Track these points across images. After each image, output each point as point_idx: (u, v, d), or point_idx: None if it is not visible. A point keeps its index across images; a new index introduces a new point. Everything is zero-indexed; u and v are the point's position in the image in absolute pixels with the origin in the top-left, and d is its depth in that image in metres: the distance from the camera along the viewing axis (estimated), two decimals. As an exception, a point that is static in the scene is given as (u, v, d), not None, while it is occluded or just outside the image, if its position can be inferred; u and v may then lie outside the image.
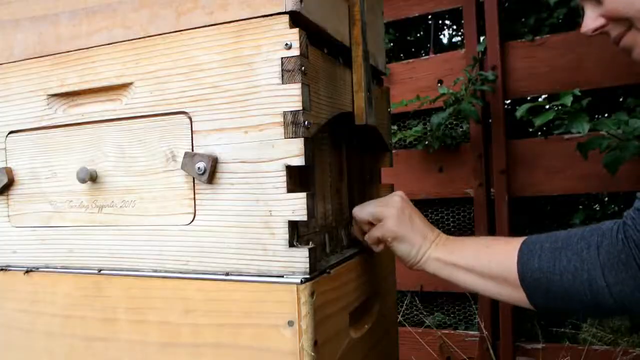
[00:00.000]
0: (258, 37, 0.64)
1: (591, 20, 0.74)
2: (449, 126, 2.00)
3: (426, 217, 0.82)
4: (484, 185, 1.87)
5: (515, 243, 0.73)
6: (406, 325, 2.03)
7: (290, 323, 0.61)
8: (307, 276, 0.62)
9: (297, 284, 0.61)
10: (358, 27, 0.81)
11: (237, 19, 0.65)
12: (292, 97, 0.62)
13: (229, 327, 0.65)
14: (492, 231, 1.86)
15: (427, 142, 1.95)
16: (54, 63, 0.78)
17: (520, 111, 1.49)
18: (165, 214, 0.70)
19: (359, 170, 0.97)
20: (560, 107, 1.44)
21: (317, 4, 0.69)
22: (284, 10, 0.63)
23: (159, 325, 0.69)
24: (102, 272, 0.74)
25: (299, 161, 0.62)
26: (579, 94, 1.43)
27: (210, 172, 0.65)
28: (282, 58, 0.63)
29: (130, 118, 0.73)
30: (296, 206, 0.62)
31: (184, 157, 0.67)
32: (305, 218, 0.62)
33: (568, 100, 1.40)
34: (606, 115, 2.17)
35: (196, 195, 0.68)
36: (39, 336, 0.78)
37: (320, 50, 0.70)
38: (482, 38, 1.91)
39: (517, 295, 0.72)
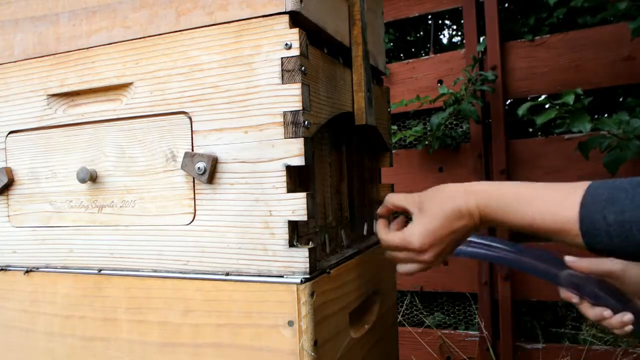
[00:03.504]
0: (258, 37, 0.64)
1: None
2: (449, 126, 2.00)
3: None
4: (484, 186, 1.87)
5: (572, 199, 0.63)
6: (406, 325, 2.03)
7: (290, 323, 0.61)
8: (307, 276, 0.62)
9: (297, 284, 0.61)
10: (358, 27, 0.81)
11: (237, 19, 0.65)
12: (292, 97, 0.62)
13: (228, 327, 0.65)
14: (491, 231, 1.86)
15: (427, 142, 1.95)
16: (54, 63, 0.78)
17: (521, 110, 1.49)
18: (165, 214, 0.70)
19: (359, 170, 0.97)
20: (561, 106, 1.44)
21: (317, 4, 0.69)
22: (284, 10, 0.63)
23: (159, 325, 0.69)
24: (102, 272, 0.74)
25: (299, 161, 0.62)
26: (581, 93, 1.43)
27: (210, 172, 0.65)
28: (282, 58, 0.63)
29: (130, 118, 0.73)
30: (296, 206, 0.62)
31: (184, 157, 0.67)
32: (305, 218, 0.62)
33: (570, 98, 1.40)
34: (606, 115, 2.17)
35: (196, 195, 0.68)
36: (39, 336, 0.78)
37: (320, 50, 0.70)
38: (482, 38, 1.91)
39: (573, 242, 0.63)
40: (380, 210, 0.78)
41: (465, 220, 0.68)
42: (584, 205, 0.62)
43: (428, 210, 0.69)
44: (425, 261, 0.71)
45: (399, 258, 0.73)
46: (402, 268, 0.74)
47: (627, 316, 0.71)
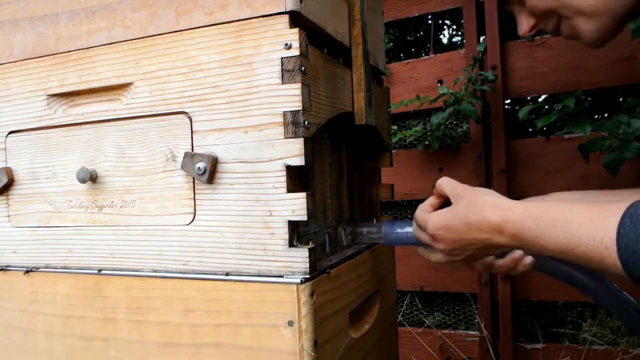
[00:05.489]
0: (258, 37, 0.64)
1: (524, 21, 0.79)
2: (449, 126, 2.00)
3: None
4: (484, 185, 1.87)
5: (605, 231, 0.55)
6: (406, 325, 2.03)
7: (290, 323, 0.61)
8: (307, 276, 0.62)
9: (297, 284, 0.61)
10: (358, 27, 0.81)
11: (237, 19, 0.65)
12: (292, 97, 0.62)
13: (228, 327, 0.65)
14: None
15: (427, 142, 1.95)
16: (53, 63, 0.78)
17: (521, 113, 1.49)
18: (165, 214, 0.70)
19: (359, 170, 0.97)
20: (562, 109, 1.44)
21: (317, 4, 0.69)
22: (283, 10, 0.63)
23: (159, 325, 0.69)
24: (102, 272, 0.74)
25: (299, 161, 0.62)
26: (582, 96, 1.42)
27: (210, 172, 0.65)
28: (282, 58, 0.63)
29: (130, 118, 0.73)
30: (296, 206, 0.62)
31: (183, 157, 0.67)
32: (305, 218, 0.62)
33: (571, 102, 1.40)
34: (606, 115, 2.17)
35: (196, 195, 0.68)
36: (39, 336, 0.78)
37: (320, 50, 0.70)
38: (482, 38, 1.91)
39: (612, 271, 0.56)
40: (434, 191, 0.77)
41: (486, 234, 0.64)
42: (621, 230, 0.53)
43: (457, 207, 0.69)
44: (439, 249, 0.70)
45: (420, 235, 0.74)
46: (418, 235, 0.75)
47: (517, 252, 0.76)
